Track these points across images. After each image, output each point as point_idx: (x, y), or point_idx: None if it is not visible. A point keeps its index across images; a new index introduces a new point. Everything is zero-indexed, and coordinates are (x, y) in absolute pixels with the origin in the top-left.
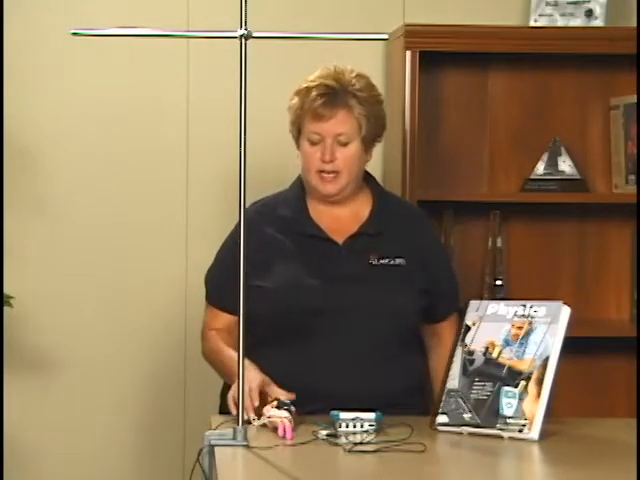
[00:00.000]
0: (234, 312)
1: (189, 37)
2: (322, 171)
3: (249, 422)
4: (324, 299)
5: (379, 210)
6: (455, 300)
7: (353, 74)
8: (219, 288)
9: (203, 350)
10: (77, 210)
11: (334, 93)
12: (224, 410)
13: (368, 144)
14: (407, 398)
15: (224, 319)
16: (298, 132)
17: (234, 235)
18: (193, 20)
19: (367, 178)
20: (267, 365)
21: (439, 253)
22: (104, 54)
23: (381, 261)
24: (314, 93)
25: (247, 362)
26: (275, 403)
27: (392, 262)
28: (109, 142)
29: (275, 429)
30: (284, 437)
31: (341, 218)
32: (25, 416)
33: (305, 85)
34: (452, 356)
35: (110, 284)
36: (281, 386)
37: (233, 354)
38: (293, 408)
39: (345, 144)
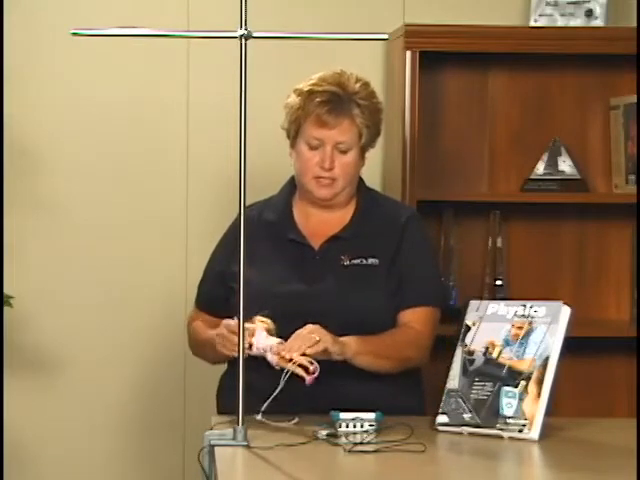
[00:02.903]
0: (213, 313)
1: (189, 37)
2: (319, 177)
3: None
4: (299, 304)
5: (359, 215)
6: (425, 294)
7: (358, 83)
8: (202, 289)
9: (189, 345)
10: (77, 210)
11: (339, 100)
12: (222, 410)
13: (364, 151)
14: (393, 398)
15: (205, 318)
16: (296, 132)
17: (223, 238)
18: (193, 20)
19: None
20: (247, 368)
21: (417, 249)
22: (104, 54)
23: (353, 261)
24: (318, 99)
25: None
26: (257, 325)
27: (364, 262)
28: (109, 142)
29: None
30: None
31: (326, 222)
32: (25, 416)
33: (308, 88)
34: (397, 346)
35: (110, 284)
36: (258, 391)
37: (209, 333)
38: (270, 321)
39: (344, 152)
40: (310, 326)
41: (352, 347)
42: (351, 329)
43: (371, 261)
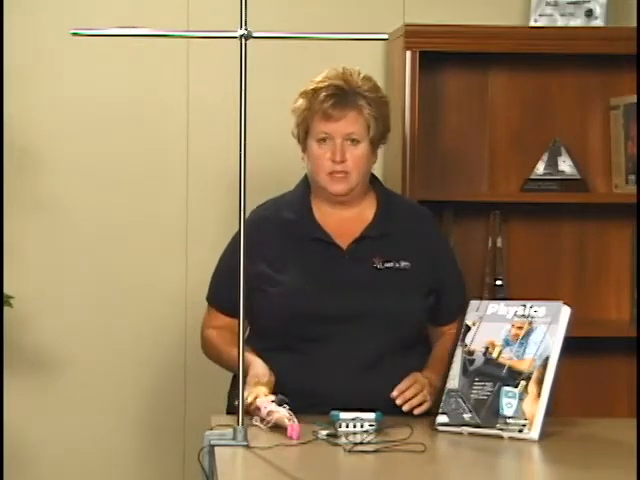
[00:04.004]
0: (233, 314)
1: (189, 37)
2: (332, 172)
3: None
4: (328, 305)
5: (383, 212)
6: (461, 303)
7: (360, 76)
8: (219, 290)
9: (203, 348)
10: (77, 210)
11: (343, 94)
12: (231, 410)
13: (375, 145)
14: None
15: (224, 320)
16: (305, 133)
17: (236, 238)
18: (193, 20)
19: (372, 180)
20: (272, 369)
21: (446, 254)
22: (104, 54)
23: (386, 265)
24: (323, 94)
25: (254, 359)
26: (272, 397)
27: (397, 265)
28: (109, 142)
29: (281, 426)
30: (290, 437)
31: (346, 221)
32: (25, 416)
33: (312, 87)
34: (452, 356)
35: (110, 284)
36: (284, 390)
37: (233, 355)
38: (288, 405)
39: (355, 144)
40: (419, 377)
41: (437, 385)
42: (386, 331)
43: (403, 264)
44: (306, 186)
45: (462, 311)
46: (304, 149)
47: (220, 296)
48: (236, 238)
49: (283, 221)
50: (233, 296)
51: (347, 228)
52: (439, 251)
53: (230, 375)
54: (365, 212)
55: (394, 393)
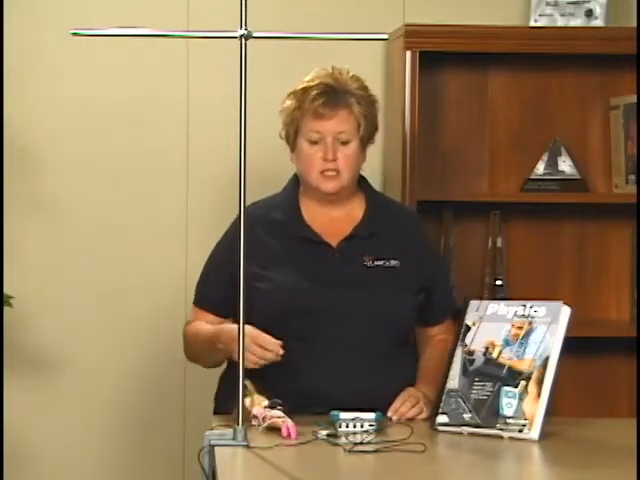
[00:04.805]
0: (217, 312)
1: (189, 37)
2: (324, 171)
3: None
4: (320, 302)
5: (372, 212)
6: (450, 305)
7: (349, 74)
8: (205, 289)
9: (185, 350)
10: (77, 210)
11: (334, 92)
12: (218, 412)
13: (364, 144)
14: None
15: (207, 318)
16: (295, 133)
17: (226, 237)
18: (193, 20)
19: (359, 181)
20: (265, 368)
21: (434, 256)
22: (104, 54)
23: (376, 263)
24: (314, 92)
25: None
26: (266, 403)
27: (387, 264)
28: (109, 142)
29: (277, 429)
30: (288, 436)
31: (335, 220)
32: (25, 416)
33: (302, 86)
34: (443, 364)
35: (110, 284)
36: (279, 389)
37: (210, 327)
38: (281, 406)
39: (345, 143)
40: (412, 392)
41: (432, 399)
42: (377, 328)
43: (393, 263)
44: (295, 186)
45: (452, 312)
46: (293, 149)
47: (207, 296)
48: (226, 237)
49: (272, 221)
50: (222, 297)
51: (336, 227)
52: (427, 251)
53: (219, 377)
54: (354, 211)
55: (389, 413)
